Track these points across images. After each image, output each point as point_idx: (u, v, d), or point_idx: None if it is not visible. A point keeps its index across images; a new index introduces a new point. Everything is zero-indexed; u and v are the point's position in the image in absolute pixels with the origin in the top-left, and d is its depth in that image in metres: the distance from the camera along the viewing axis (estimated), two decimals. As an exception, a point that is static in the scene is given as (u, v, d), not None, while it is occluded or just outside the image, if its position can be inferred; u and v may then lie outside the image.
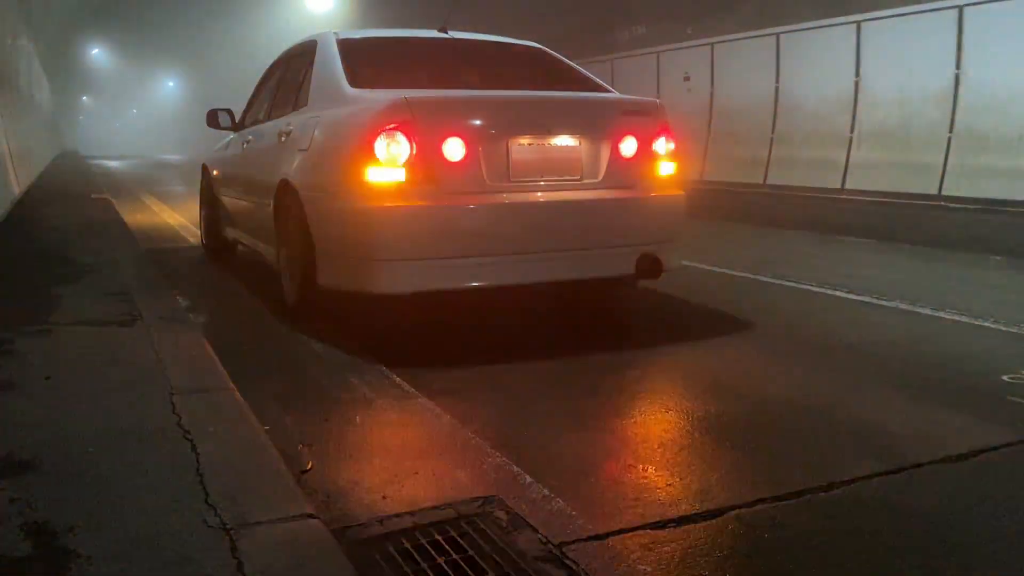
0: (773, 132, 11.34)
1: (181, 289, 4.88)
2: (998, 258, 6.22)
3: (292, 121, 4.29)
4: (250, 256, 5.54)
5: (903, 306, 4.46)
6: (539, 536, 1.91)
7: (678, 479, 2.26)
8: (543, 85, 4.36)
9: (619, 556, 1.84)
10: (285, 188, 4.06)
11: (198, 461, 2.01)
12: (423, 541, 1.89)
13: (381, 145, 3.40)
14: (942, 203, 8.64)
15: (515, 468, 2.31)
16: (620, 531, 1.95)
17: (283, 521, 1.72)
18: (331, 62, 4.14)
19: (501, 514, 2.02)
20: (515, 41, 4.94)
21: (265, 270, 4.74)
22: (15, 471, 1.95)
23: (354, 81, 3.96)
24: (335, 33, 4.48)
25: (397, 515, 2.01)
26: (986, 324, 4.03)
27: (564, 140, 3.74)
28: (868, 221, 8.27)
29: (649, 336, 3.95)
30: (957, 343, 3.73)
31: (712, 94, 12.58)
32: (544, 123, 3.71)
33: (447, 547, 1.86)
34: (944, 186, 8.78)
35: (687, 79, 13.17)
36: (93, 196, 10.04)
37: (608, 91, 4.33)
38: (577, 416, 2.76)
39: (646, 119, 3.92)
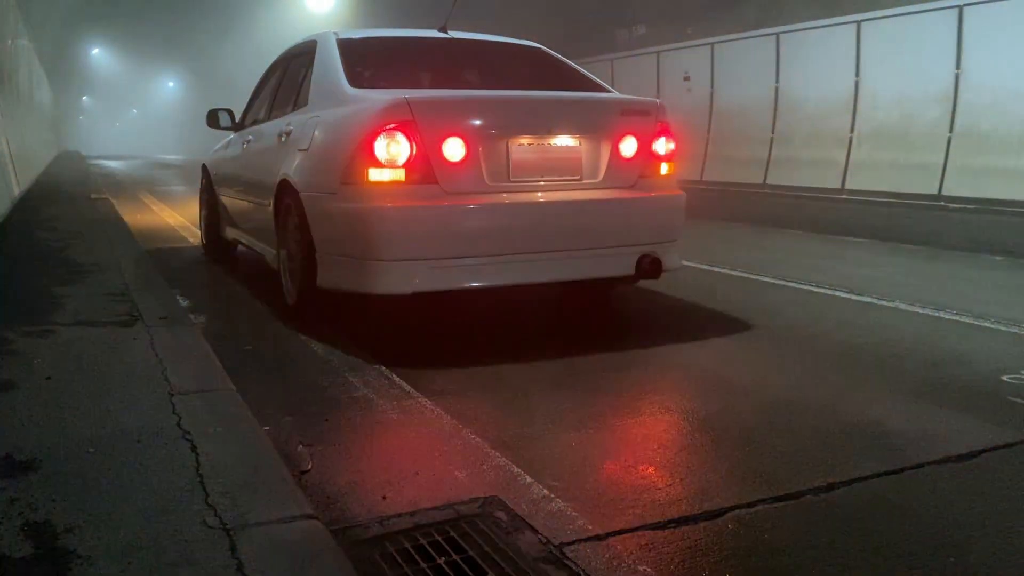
0: (773, 132, 11.34)
1: (181, 289, 4.88)
2: (998, 258, 6.22)
3: (292, 121, 4.29)
4: (250, 256, 5.54)
5: (903, 306, 4.46)
6: (539, 536, 1.91)
7: (678, 479, 2.26)
8: (543, 85, 4.36)
9: (619, 556, 1.84)
10: (285, 188, 4.07)
11: (198, 461, 2.01)
12: (423, 542, 1.89)
13: (381, 145, 3.40)
14: (942, 203, 8.64)
15: (515, 468, 2.31)
16: (620, 531, 1.95)
17: (283, 521, 1.72)
18: (331, 62, 4.14)
19: (501, 514, 2.02)
20: (515, 41, 4.94)
21: (265, 270, 4.74)
22: (15, 471, 1.95)
23: (354, 81, 3.96)
24: (335, 33, 4.48)
25: (397, 515, 2.01)
26: (986, 324, 4.03)
27: (564, 140, 3.74)
28: (868, 221, 8.27)
29: (649, 336, 3.95)
30: (957, 343, 3.73)
31: (712, 94, 12.57)
32: (544, 123, 3.71)
33: (447, 548, 1.86)
34: (944, 186, 8.78)
35: (687, 79, 13.17)
36: (93, 196, 10.04)
37: (608, 91, 4.33)
38: (577, 416, 2.76)
39: (646, 119, 3.92)
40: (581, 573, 1.76)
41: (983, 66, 8.59)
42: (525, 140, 3.64)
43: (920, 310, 4.36)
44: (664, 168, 3.96)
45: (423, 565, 1.79)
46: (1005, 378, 3.16)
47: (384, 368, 3.29)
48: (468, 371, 3.31)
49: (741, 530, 1.96)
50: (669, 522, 2.00)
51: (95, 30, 36.99)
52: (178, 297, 4.50)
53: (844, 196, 9.86)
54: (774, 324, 4.11)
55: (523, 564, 1.79)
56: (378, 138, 3.40)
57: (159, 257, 6.06)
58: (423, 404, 2.87)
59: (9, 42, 10.66)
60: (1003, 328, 3.96)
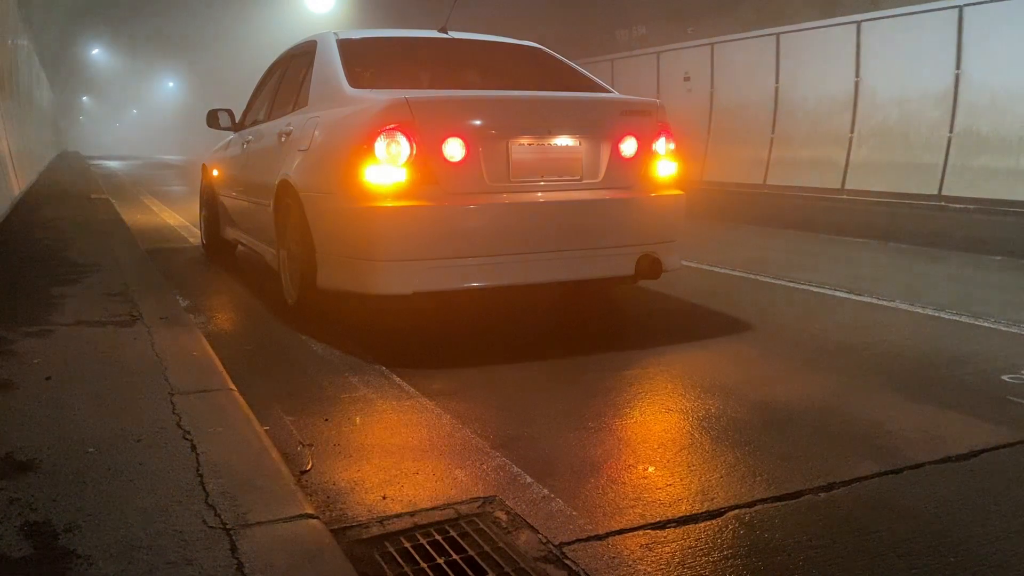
0: (773, 132, 11.33)
1: (181, 289, 4.88)
2: (998, 258, 6.22)
3: (292, 121, 4.29)
4: (250, 256, 5.55)
5: (903, 306, 4.46)
6: (539, 536, 1.91)
7: (678, 479, 2.26)
8: (543, 85, 4.37)
9: (619, 556, 1.84)
10: (285, 188, 4.07)
11: (198, 461, 2.01)
12: (423, 541, 1.89)
13: (381, 145, 3.40)
14: (942, 203, 8.64)
15: (515, 468, 2.31)
16: (620, 531, 1.95)
17: (283, 521, 1.72)
18: (331, 62, 4.14)
19: (501, 514, 2.02)
20: (515, 41, 4.94)
21: (265, 270, 4.74)
22: (15, 471, 1.95)
23: (354, 81, 3.96)
24: (335, 33, 4.48)
25: (397, 515, 2.01)
26: (986, 324, 4.03)
27: (564, 140, 3.74)
28: (868, 221, 8.27)
29: (649, 336, 3.95)
30: (957, 343, 3.73)
31: (712, 94, 12.57)
32: (544, 123, 3.71)
33: (447, 547, 1.86)
34: (944, 186, 8.78)
35: (687, 79, 13.17)
36: (93, 196, 10.05)
37: (608, 91, 4.33)
38: (577, 416, 2.76)
39: (646, 119, 3.92)
40: (581, 573, 1.76)
41: (983, 66, 8.59)
42: (525, 140, 3.64)
43: (920, 310, 4.36)
44: (664, 168, 3.96)
45: (423, 565, 1.79)
46: (1005, 378, 3.16)
47: (384, 368, 3.29)
48: (468, 371, 3.31)
49: (741, 530, 1.96)
50: (669, 522, 2.00)
51: (95, 30, 36.98)
52: (178, 297, 4.50)
53: (844, 196, 9.85)
54: (773, 324, 4.11)
55: (523, 564, 1.79)
56: (378, 138, 3.40)
57: (159, 257, 6.06)
58: (423, 404, 2.87)
59: (9, 42, 10.66)
60: (1003, 328, 3.96)
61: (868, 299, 4.65)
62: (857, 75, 10.08)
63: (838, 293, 4.83)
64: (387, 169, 3.41)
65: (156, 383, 2.63)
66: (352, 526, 1.96)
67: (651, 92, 13.39)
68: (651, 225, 3.95)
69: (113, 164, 25.86)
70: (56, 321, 3.42)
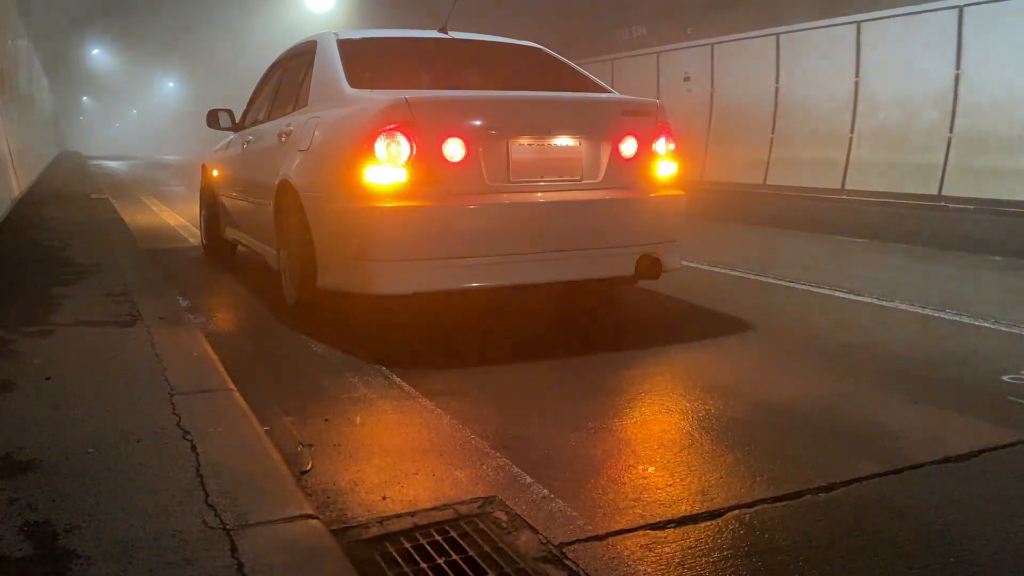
0: (773, 132, 11.33)
1: (181, 289, 4.88)
2: (998, 258, 6.22)
3: (292, 121, 4.29)
4: (250, 256, 5.55)
5: (903, 306, 4.46)
6: (539, 536, 1.91)
7: (678, 479, 2.26)
8: (543, 85, 4.37)
9: (619, 556, 1.84)
10: (285, 188, 4.07)
11: (198, 461, 2.01)
12: (423, 541, 1.89)
13: (381, 145, 3.40)
14: (942, 203, 8.63)
15: (515, 468, 2.31)
16: (620, 531, 1.95)
17: (283, 521, 1.72)
18: (331, 62, 4.14)
19: (501, 515, 2.02)
20: (515, 41, 4.94)
21: (265, 270, 4.74)
22: (15, 471, 1.95)
23: (354, 81, 3.96)
24: (335, 33, 4.48)
25: (397, 515, 2.01)
26: (986, 324, 4.03)
27: (564, 140, 3.74)
28: (868, 221, 8.27)
29: (649, 336, 3.95)
30: (957, 343, 3.73)
31: (712, 94, 12.57)
32: (544, 123, 3.71)
33: (447, 548, 1.86)
34: (944, 186, 8.77)
35: (687, 79, 13.17)
36: (93, 196, 10.04)
37: (608, 91, 4.33)
38: (577, 416, 2.76)
39: (646, 119, 3.92)
40: (581, 573, 1.76)
41: (983, 66, 8.59)
42: (525, 140, 3.64)
43: (920, 310, 4.36)
44: (664, 168, 3.96)
45: (423, 565, 1.79)
46: (1005, 378, 3.16)
47: (384, 368, 3.29)
48: (468, 371, 3.31)
49: (741, 530, 1.96)
50: (669, 522, 2.00)
51: (95, 30, 37.00)
52: (178, 297, 4.50)
53: (844, 196, 9.85)
54: (774, 324, 4.10)
55: (523, 564, 1.79)
56: (378, 138, 3.40)
57: (159, 257, 6.06)
58: (423, 404, 2.87)
59: (9, 42, 10.66)
60: (1003, 328, 3.96)
61: (868, 299, 4.65)
62: (857, 75, 10.08)
63: (838, 293, 4.83)
64: (387, 169, 3.41)
65: (156, 383, 2.63)
66: (352, 526, 1.96)
67: (651, 92, 13.39)
68: (651, 225, 3.95)
69: (113, 164, 25.86)
70: (56, 321, 3.42)
